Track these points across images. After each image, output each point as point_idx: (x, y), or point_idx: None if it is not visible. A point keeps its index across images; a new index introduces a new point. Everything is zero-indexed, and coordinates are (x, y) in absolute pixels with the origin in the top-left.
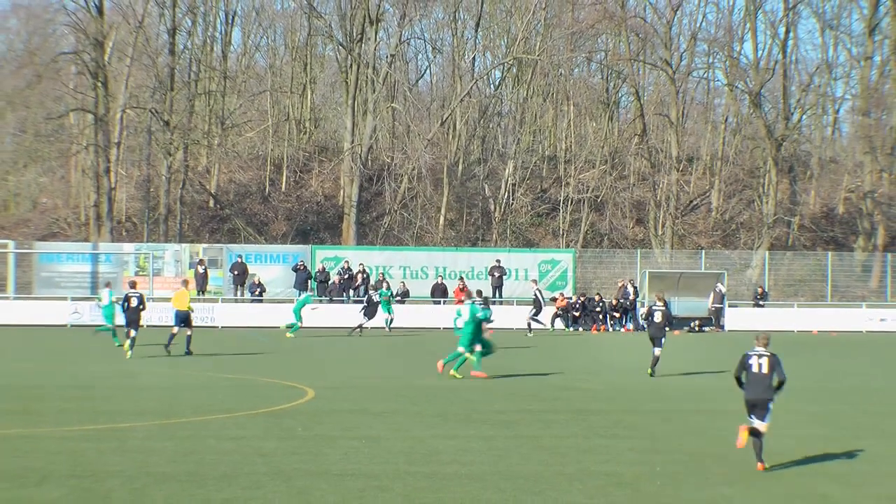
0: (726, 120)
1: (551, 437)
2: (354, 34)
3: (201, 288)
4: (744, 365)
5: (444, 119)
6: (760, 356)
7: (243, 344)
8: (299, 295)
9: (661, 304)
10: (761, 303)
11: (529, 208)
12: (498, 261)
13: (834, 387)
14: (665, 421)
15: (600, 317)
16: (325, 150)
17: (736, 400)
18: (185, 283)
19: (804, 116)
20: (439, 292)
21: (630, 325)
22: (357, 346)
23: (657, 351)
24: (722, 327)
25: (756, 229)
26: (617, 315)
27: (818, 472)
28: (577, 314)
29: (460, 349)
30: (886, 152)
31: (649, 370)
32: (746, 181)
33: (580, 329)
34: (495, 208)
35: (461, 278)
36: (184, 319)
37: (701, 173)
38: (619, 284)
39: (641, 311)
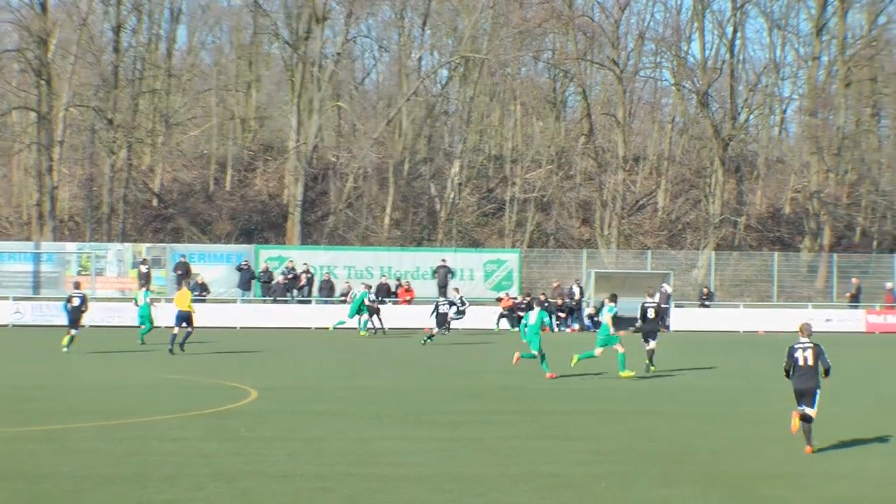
0: (673, 120)
1: (497, 438)
2: (300, 32)
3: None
4: (791, 358)
5: (391, 118)
6: (805, 348)
7: (187, 345)
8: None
9: (651, 300)
10: (707, 303)
11: (475, 208)
12: (443, 260)
13: (778, 387)
14: (611, 422)
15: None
16: (269, 148)
17: (680, 401)
18: (186, 283)
19: (751, 116)
20: (384, 292)
21: (576, 326)
22: (301, 347)
23: (652, 344)
24: (668, 327)
25: (702, 229)
26: (563, 315)
27: (761, 473)
28: (522, 314)
29: (597, 351)
30: (833, 153)
31: (650, 365)
32: (693, 181)
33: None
34: (441, 208)
35: (398, 279)
36: (185, 319)
37: (647, 173)
38: (555, 285)
39: (587, 310)
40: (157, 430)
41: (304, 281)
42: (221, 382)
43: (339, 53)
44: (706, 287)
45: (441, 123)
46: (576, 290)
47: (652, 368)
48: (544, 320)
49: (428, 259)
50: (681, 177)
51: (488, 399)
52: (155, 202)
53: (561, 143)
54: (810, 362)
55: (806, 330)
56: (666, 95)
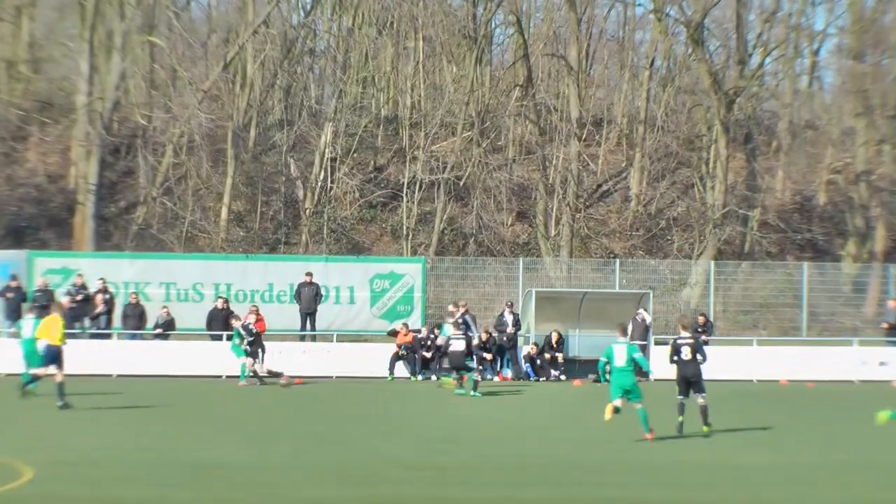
0: (652, 65)
1: None
2: None
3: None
4: None
5: (229, 61)
6: None
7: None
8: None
9: (686, 334)
10: (704, 338)
11: (357, 195)
12: (309, 274)
13: (819, 460)
14: None
15: None
16: (49, 106)
17: (679, 485)
18: (60, 305)
19: (768, 60)
20: (220, 322)
21: (508, 372)
22: (102, 402)
23: (700, 399)
24: (647, 374)
25: (697, 228)
26: (488, 357)
27: None
28: (427, 355)
29: None
30: (889, 114)
31: (704, 427)
32: (683, 157)
33: (433, 377)
34: (306, 195)
35: (226, 301)
36: (55, 357)
37: (615, 144)
38: (451, 309)
39: (526, 348)
40: None
41: (100, 305)
42: None
43: None
44: (702, 314)
45: (305, 69)
46: (508, 318)
47: (705, 429)
48: (635, 356)
49: (286, 272)
50: (664, 150)
51: (383, 479)
52: None
53: (485, 100)
54: None
55: None
56: (642, 28)
